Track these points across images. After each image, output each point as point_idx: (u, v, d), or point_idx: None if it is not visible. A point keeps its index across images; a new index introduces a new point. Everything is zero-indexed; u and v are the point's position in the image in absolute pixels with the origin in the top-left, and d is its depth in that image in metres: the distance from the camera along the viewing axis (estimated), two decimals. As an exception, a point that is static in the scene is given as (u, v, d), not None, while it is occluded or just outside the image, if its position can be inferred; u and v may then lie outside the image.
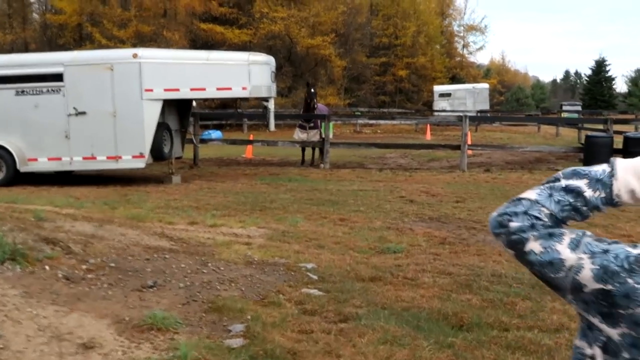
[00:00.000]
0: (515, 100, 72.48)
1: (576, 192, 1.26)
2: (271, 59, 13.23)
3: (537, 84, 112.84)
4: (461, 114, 17.08)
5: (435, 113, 38.57)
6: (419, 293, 5.80)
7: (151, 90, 12.34)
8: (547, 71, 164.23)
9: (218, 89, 12.52)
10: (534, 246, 1.25)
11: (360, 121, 37.85)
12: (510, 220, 1.27)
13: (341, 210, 10.15)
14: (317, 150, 16.81)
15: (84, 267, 5.85)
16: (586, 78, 77.93)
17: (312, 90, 16.49)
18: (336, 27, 45.78)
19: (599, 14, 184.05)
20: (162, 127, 12.83)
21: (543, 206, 1.26)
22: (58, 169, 12.86)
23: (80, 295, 5.13)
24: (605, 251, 1.21)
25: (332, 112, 19.43)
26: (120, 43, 34.55)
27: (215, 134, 30.50)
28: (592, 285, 1.20)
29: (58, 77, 12.34)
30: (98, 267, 5.90)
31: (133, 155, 12.51)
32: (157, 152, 12.76)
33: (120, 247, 6.80)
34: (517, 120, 27.02)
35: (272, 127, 13.26)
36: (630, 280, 1.17)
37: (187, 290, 5.56)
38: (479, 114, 32.21)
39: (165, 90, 12.40)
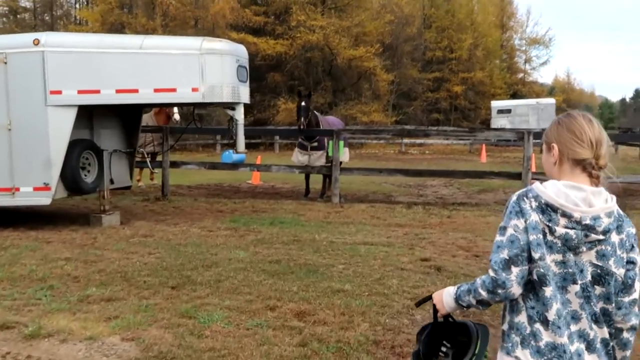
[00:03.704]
0: (582, 119, 66.58)
1: None
2: (239, 48, 9.14)
3: (605, 103, 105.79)
4: (523, 130, 12.54)
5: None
6: None
7: (59, 92, 8.45)
8: (615, 90, 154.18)
9: (156, 90, 8.50)
10: None
11: (406, 140, 33.53)
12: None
13: (312, 288, 5.90)
14: (327, 179, 12.55)
15: None
16: (663, 95, 71.19)
17: (303, 103, 12.07)
18: (382, 38, 41.63)
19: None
20: (79, 146, 8.89)
21: None
22: None
23: None
24: None
25: (347, 128, 14.87)
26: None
27: (238, 155, 26.68)
28: None
29: None
30: None
31: (35, 186, 8.61)
32: (71, 183, 8.82)
33: None
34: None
35: (241, 146, 9.18)
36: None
37: None
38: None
39: (80, 92, 8.49)
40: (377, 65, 39.21)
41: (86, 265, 6.80)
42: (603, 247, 2.03)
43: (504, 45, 62.59)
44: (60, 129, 8.44)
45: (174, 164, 12.64)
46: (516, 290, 2.07)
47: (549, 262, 2.03)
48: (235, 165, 13.03)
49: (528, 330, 2.09)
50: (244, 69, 9.06)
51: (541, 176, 11.63)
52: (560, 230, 2.00)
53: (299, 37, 36.53)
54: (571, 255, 2.02)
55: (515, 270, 2.05)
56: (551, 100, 39.90)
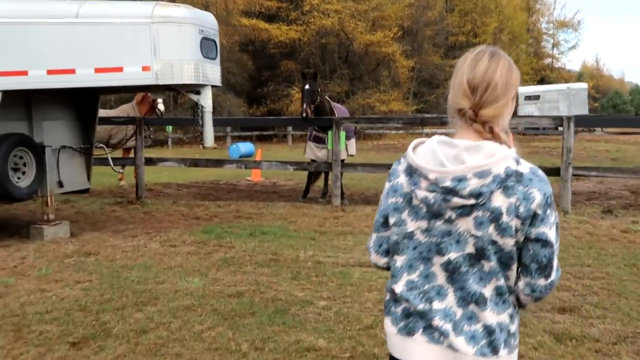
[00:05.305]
0: (612, 106, 64.38)
1: None
2: (204, 15, 7.28)
3: (635, 89, 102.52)
4: (561, 116, 10.51)
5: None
6: None
7: (-24, 74, 6.74)
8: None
9: (98, 70, 6.75)
10: None
11: (426, 130, 31.50)
12: None
13: (271, 344, 4.12)
14: (330, 175, 10.62)
15: None
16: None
17: (308, 86, 10.02)
18: (401, 22, 39.47)
19: None
20: (7, 142, 7.15)
21: None
22: None
23: None
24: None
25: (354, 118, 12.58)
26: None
27: (245, 147, 24.90)
28: None
29: None
30: None
31: (-50, 192, 6.92)
32: (-3, 188, 7.10)
33: None
34: (635, 125, 20.22)
35: (208, 141, 7.37)
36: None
37: None
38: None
39: (2, 74, 6.75)
40: (396, 51, 37.14)
41: (-23, 304, 5.07)
42: (480, 213, 1.66)
43: (530, 29, 60.13)
44: (-21, 120, 6.74)
45: (150, 161, 10.86)
46: (374, 258, 1.93)
47: (414, 229, 1.76)
48: (219, 162, 11.22)
49: (387, 296, 1.88)
50: (212, 42, 7.23)
51: (584, 171, 9.71)
52: (421, 193, 1.71)
53: (312, 22, 34.66)
54: (438, 222, 1.71)
55: (373, 236, 1.92)
56: (583, 85, 37.51)
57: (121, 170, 11.53)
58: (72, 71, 6.73)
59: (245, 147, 24.87)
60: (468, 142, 1.68)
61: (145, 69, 6.72)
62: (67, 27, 6.73)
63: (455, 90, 1.74)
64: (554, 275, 1.73)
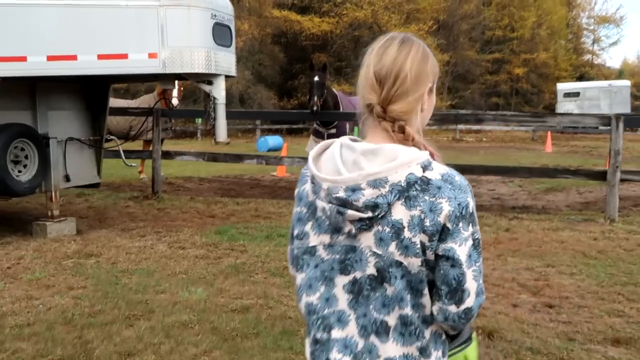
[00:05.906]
0: (653, 104, 62.24)
1: None
2: (218, -1, 6.73)
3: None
4: (608, 114, 9.69)
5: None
6: None
7: (-29, 59, 6.26)
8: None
9: (101, 56, 6.22)
10: None
11: (460, 126, 30.58)
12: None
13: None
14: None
15: None
16: None
17: (317, 78, 9.51)
18: (437, 15, 38.56)
19: None
20: (7, 132, 6.67)
21: None
22: None
23: None
24: None
25: None
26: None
27: (274, 140, 24.41)
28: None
29: None
30: None
31: (-53, 187, 6.48)
32: (-5, 181, 6.63)
33: None
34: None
35: (221, 135, 6.80)
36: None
37: None
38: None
39: (0, 59, 6.27)
40: (430, 45, 35.54)
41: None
42: (381, 227, 1.44)
43: (570, 24, 58.38)
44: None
45: (167, 155, 10.35)
46: (291, 271, 1.69)
47: (316, 243, 1.53)
48: (239, 157, 10.64)
49: None
50: (226, 28, 6.65)
51: (633, 175, 8.90)
52: (320, 203, 1.49)
53: (345, 14, 33.98)
54: (341, 237, 1.49)
55: (289, 248, 1.68)
56: (626, 83, 36.06)
57: (134, 164, 11.08)
58: (74, 57, 6.21)
59: (273, 140, 24.41)
60: (367, 145, 1.47)
61: (151, 56, 6.18)
62: (68, 10, 6.20)
63: (362, 83, 1.54)
64: (469, 302, 1.46)
